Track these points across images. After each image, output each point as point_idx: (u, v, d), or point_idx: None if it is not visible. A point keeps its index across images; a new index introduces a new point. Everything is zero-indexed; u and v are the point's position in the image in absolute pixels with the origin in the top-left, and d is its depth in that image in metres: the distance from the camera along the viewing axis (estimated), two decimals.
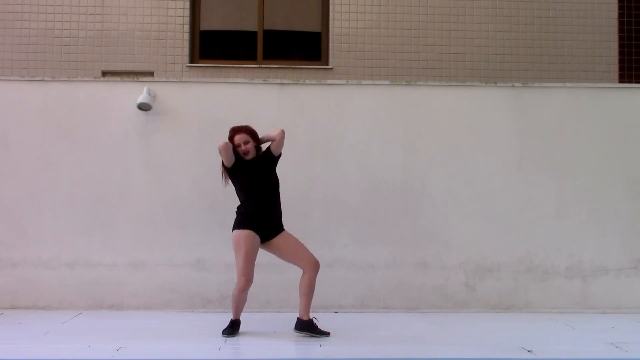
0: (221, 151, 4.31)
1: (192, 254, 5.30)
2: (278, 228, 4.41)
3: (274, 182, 4.41)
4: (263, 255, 4.94)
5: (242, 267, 4.24)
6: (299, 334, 4.34)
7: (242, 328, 4.57)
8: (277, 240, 4.38)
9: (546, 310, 5.35)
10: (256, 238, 4.30)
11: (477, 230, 5.41)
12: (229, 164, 4.35)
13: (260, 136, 4.46)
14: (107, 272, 5.26)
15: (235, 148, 4.36)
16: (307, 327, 4.32)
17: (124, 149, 5.35)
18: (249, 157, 4.36)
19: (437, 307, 5.34)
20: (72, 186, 5.30)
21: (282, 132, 4.45)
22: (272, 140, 4.45)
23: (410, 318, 5.04)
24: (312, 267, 4.32)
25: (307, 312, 4.33)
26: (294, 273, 5.03)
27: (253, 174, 4.36)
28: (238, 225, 4.34)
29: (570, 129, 5.52)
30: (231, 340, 4.27)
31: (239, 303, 4.38)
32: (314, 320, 4.35)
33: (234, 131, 4.41)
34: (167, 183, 5.35)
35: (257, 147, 4.43)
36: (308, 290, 4.32)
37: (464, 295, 5.37)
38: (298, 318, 4.35)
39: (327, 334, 4.34)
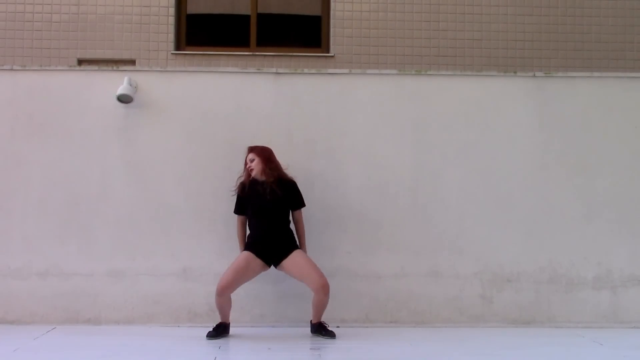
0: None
1: (178, 262, 5.30)
2: (286, 250, 4.80)
3: (278, 212, 4.84)
4: None
5: (225, 273, 4.71)
6: (312, 337, 4.83)
7: (233, 345, 4.61)
8: (286, 262, 4.79)
9: (571, 325, 5.35)
10: (255, 260, 4.76)
11: (494, 236, 5.41)
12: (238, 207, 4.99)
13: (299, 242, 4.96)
14: (83, 282, 5.26)
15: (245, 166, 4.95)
16: (315, 328, 4.83)
17: (102, 145, 5.35)
18: (254, 174, 4.88)
19: (450, 321, 5.34)
20: (45, 187, 5.30)
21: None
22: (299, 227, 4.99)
23: (421, 333, 5.04)
24: (318, 289, 4.69)
25: (317, 317, 4.83)
26: (291, 283, 5.06)
27: (256, 198, 4.83)
28: (244, 248, 4.88)
29: (598, 123, 5.52)
30: (220, 354, 4.27)
31: (220, 307, 4.78)
32: (323, 322, 4.85)
33: (248, 150, 4.98)
34: (150, 183, 5.35)
35: (272, 169, 4.85)
36: (317, 306, 4.80)
37: (480, 308, 5.38)
38: (310, 322, 4.89)
39: (332, 335, 4.76)
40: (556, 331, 5.18)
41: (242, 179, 4.97)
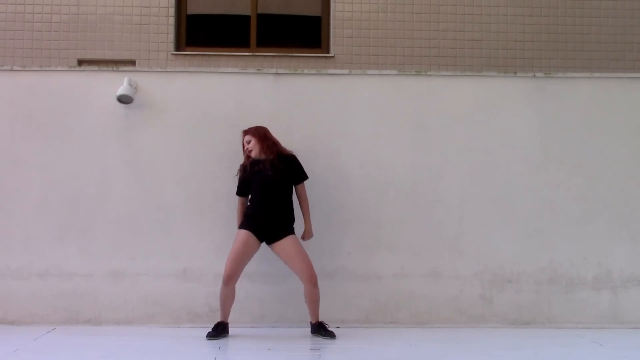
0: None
1: (178, 262, 5.30)
2: (281, 232, 4.79)
3: (281, 186, 4.83)
4: (257, 265, 4.96)
5: (227, 262, 4.73)
6: (312, 337, 4.83)
7: (233, 345, 4.61)
8: (278, 245, 4.79)
9: (571, 325, 5.35)
10: (252, 239, 4.75)
11: (494, 237, 5.41)
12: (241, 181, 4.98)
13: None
14: (83, 282, 5.26)
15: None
16: (315, 328, 4.83)
17: (102, 146, 5.35)
18: (253, 155, 4.90)
19: (450, 321, 5.34)
20: (45, 187, 5.30)
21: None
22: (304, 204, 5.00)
23: (421, 334, 5.04)
24: (306, 279, 4.73)
25: (314, 316, 4.84)
26: (291, 283, 5.06)
27: (258, 176, 4.82)
28: (240, 225, 4.86)
29: (598, 123, 5.52)
30: (220, 354, 4.27)
31: (224, 299, 4.77)
32: (322, 322, 4.85)
33: (243, 133, 5.01)
34: (150, 184, 5.35)
35: (270, 146, 4.88)
36: (309, 302, 4.81)
37: (480, 308, 5.37)
38: (310, 322, 4.88)
39: (332, 335, 4.76)
40: (556, 331, 5.18)
41: (243, 161, 5.00)
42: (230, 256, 4.73)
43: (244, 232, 4.76)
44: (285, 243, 4.76)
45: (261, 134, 4.94)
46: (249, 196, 4.92)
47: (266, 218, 4.77)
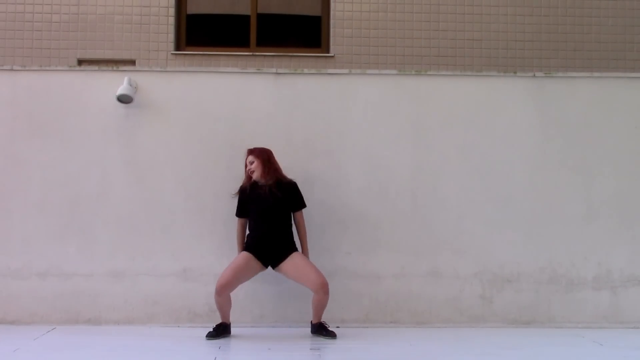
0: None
1: (178, 262, 5.30)
2: (285, 252, 4.80)
3: (280, 213, 4.83)
4: None
5: (224, 272, 4.72)
6: (312, 337, 4.82)
7: (233, 345, 4.61)
8: (285, 264, 4.78)
9: (571, 325, 5.35)
10: (254, 261, 4.76)
11: (494, 236, 5.41)
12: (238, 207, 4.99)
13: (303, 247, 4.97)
14: (83, 282, 5.26)
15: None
16: (316, 329, 4.82)
17: (102, 146, 5.35)
18: (255, 177, 4.88)
19: (450, 321, 5.34)
20: (45, 187, 5.30)
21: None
22: (301, 229, 4.97)
23: (420, 334, 5.04)
24: (317, 288, 4.69)
25: (317, 318, 4.82)
26: (291, 283, 5.06)
27: (258, 201, 4.83)
28: (242, 249, 4.89)
29: (598, 123, 5.52)
30: (220, 354, 4.28)
31: (220, 306, 4.78)
32: (323, 322, 4.84)
33: (247, 152, 4.98)
34: (150, 184, 5.35)
35: (272, 171, 4.86)
36: (317, 306, 4.78)
37: (480, 308, 5.38)
38: (310, 322, 4.89)
39: (333, 335, 4.75)
40: (556, 331, 5.18)
41: (243, 182, 4.97)
42: (228, 268, 4.72)
43: (245, 253, 4.78)
44: (292, 260, 4.75)
45: (265, 158, 4.91)
46: (248, 220, 4.91)
47: (267, 243, 4.77)
